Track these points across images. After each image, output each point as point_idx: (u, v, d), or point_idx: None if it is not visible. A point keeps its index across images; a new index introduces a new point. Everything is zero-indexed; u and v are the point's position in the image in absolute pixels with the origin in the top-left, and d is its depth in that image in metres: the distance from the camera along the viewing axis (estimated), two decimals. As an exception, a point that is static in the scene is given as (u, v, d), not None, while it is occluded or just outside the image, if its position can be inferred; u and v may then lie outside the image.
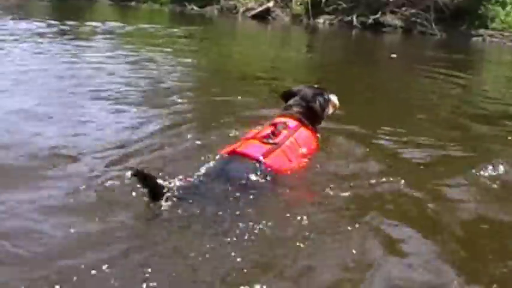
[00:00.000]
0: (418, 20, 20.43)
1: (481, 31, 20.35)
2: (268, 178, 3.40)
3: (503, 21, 20.46)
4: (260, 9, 24.21)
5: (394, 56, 12.95)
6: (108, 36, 13.46)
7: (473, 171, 4.11)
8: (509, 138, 5.47)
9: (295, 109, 4.11)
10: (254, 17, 24.03)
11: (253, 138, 3.75)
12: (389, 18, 20.66)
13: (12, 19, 15.91)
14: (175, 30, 16.70)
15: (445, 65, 12.04)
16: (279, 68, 10.58)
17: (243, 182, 3.29)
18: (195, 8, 28.92)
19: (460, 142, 5.19)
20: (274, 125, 3.87)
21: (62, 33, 13.07)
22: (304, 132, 3.96)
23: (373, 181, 3.76)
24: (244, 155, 3.50)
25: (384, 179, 3.78)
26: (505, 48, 18.91)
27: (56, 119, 5.17)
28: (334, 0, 22.36)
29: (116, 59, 9.57)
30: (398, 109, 6.94)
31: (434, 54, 15.72)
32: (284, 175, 3.58)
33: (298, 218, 3.07)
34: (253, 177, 3.35)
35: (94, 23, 16.37)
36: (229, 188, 3.20)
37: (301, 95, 4.20)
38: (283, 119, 3.99)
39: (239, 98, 6.48)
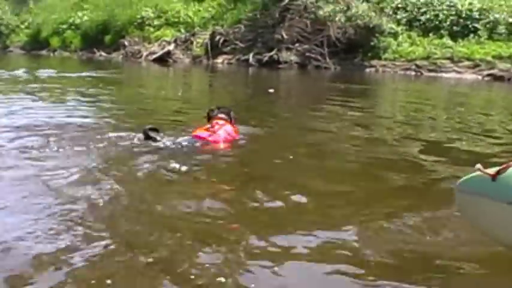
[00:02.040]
0: (313, 55, 20.94)
1: (374, 62, 21.02)
2: (200, 146, 6.11)
3: (395, 51, 21.19)
4: (161, 52, 24.50)
5: (271, 91, 13.19)
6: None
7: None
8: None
9: (221, 116, 6.65)
10: (155, 60, 24.29)
11: (202, 128, 6.40)
12: (284, 55, 21.09)
13: None
14: (74, 75, 17.20)
15: (337, 94, 12.65)
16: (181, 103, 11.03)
17: (194, 146, 6.09)
18: (103, 54, 29.12)
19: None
20: (213, 123, 6.51)
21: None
22: (228, 126, 6.53)
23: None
24: (198, 137, 6.23)
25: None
26: (397, 78, 19.56)
27: None
28: (232, 41, 22.78)
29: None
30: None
31: (327, 85, 16.33)
32: (213, 145, 6.17)
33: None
34: (198, 145, 6.12)
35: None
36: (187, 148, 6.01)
37: (221, 110, 6.76)
38: (217, 120, 6.56)
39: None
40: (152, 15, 28.76)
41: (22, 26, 39.71)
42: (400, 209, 4.16)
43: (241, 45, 22.46)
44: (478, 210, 3.22)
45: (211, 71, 21.35)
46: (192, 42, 24.67)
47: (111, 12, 31.19)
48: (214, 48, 23.19)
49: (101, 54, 29.59)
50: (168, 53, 24.45)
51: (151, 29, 28.15)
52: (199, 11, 27.73)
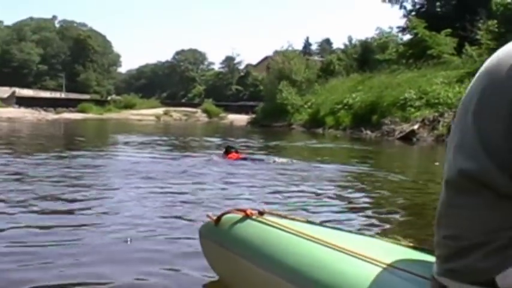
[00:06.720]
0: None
1: None
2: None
3: None
4: (407, 131, 29.31)
5: (437, 164, 15.36)
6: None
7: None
8: None
9: (232, 150, 14.28)
10: (401, 138, 29.17)
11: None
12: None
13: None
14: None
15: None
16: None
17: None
18: (369, 132, 34.78)
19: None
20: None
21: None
22: (235, 154, 14.00)
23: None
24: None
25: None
26: None
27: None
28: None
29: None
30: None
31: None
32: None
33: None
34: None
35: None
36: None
37: (230, 148, 14.64)
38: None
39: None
40: (414, 96, 33.95)
41: (305, 106, 48.10)
42: None
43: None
44: (210, 254, 3.85)
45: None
46: (439, 122, 29.02)
47: (379, 94, 37.40)
48: (457, 128, 27.25)
49: (366, 133, 35.12)
50: (412, 132, 29.14)
51: (412, 110, 32.97)
52: (459, 92, 31.92)
